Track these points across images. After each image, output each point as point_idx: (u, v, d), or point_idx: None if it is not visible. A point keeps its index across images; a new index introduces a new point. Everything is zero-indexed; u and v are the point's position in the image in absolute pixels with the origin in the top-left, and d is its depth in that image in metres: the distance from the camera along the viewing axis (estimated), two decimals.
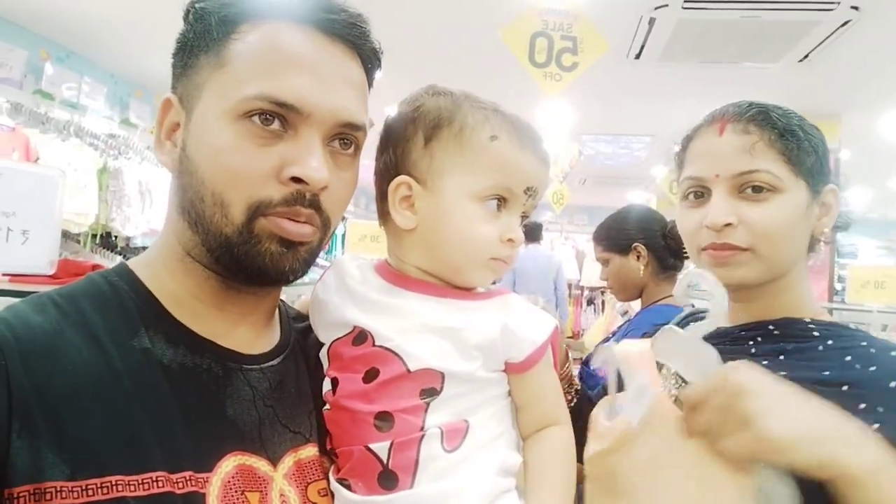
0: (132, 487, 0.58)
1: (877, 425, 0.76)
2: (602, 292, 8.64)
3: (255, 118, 0.66)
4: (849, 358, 0.88)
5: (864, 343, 0.90)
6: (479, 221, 0.78)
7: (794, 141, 0.93)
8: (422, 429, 0.72)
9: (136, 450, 0.60)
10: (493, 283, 0.86)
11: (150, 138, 4.96)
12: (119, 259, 4.31)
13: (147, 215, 4.43)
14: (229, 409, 0.69)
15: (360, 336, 0.77)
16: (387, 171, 0.82)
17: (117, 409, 0.61)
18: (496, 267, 0.80)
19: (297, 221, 0.69)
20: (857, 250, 10.27)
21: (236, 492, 0.66)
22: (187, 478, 0.62)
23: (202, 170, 0.68)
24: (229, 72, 0.68)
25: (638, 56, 4.17)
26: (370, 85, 0.79)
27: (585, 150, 7.34)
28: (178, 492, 0.61)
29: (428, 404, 0.73)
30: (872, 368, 0.85)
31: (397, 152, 0.81)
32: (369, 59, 0.76)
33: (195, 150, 0.69)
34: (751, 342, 0.96)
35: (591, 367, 1.92)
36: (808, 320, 0.95)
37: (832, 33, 3.64)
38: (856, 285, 5.01)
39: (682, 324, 1.12)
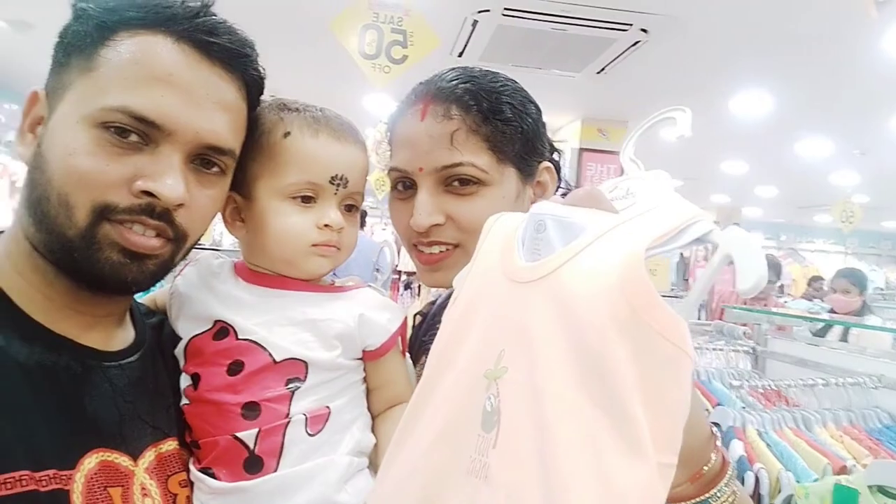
0: None
1: None
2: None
3: (113, 129, 0.66)
4: None
5: None
6: (290, 215, 0.82)
7: (500, 125, 0.87)
8: (287, 416, 0.76)
9: None
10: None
11: None
12: None
13: None
14: (89, 406, 0.69)
15: (222, 331, 0.79)
16: None
17: None
18: (323, 252, 0.83)
19: (144, 235, 0.69)
20: None
21: (99, 487, 0.66)
22: (51, 476, 0.62)
23: (51, 169, 0.67)
24: (95, 78, 0.67)
25: (461, 55, 4.39)
26: (252, 108, 0.80)
27: None
28: (43, 490, 0.61)
29: (293, 392, 0.77)
30: None
31: None
32: (250, 85, 0.77)
33: (48, 149, 0.68)
34: None
35: None
36: None
37: (625, 51, 4.13)
38: None
39: None
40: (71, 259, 0.68)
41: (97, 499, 0.65)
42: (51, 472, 0.62)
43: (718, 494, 0.60)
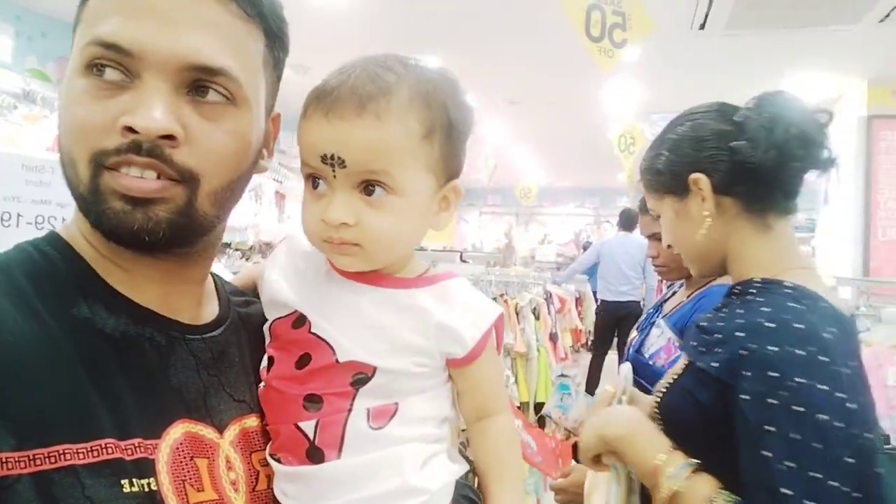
0: (81, 455, 0.58)
1: (716, 364, 0.98)
2: None
3: (94, 69, 0.63)
4: (741, 311, 1.02)
5: (762, 299, 1.02)
6: (306, 204, 0.74)
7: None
8: (348, 409, 0.72)
9: (84, 417, 0.59)
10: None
11: None
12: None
13: None
14: (174, 377, 0.69)
15: (300, 319, 0.76)
16: None
17: (61, 378, 0.60)
18: (338, 251, 0.73)
19: (142, 177, 0.63)
20: None
21: (185, 458, 0.66)
22: (136, 444, 0.62)
23: (60, 129, 0.66)
24: (82, 27, 0.65)
25: (702, 27, 4.00)
26: (267, 23, 0.72)
27: (655, 130, 7.11)
28: (128, 458, 0.60)
29: (357, 390, 0.72)
30: (758, 319, 0.98)
31: None
32: None
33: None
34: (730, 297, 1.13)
35: (647, 357, 1.88)
36: (757, 280, 1.08)
37: None
38: None
39: None
40: (90, 218, 0.66)
41: (183, 469, 0.65)
42: (136, 440, 0.62)
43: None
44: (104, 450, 0.59)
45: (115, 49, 0.62)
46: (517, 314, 4.33)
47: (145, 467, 0.62)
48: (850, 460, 0.90)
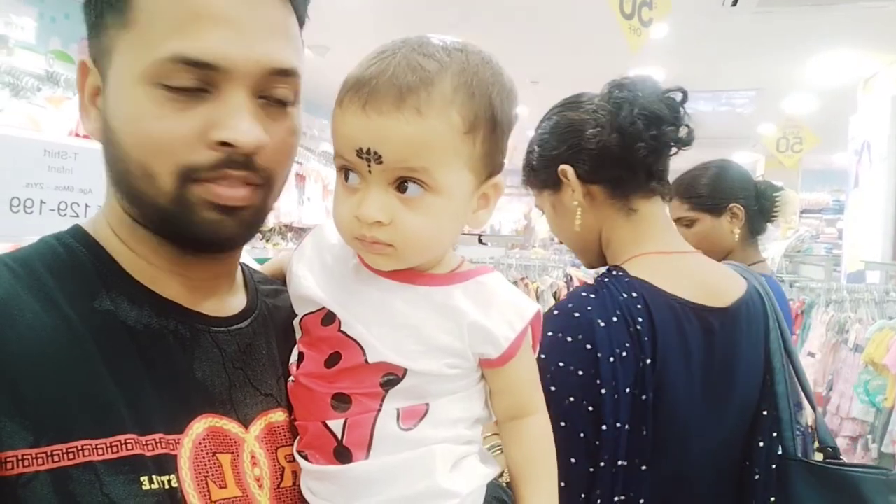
0: (100, 451, 0.57)
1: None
2: None
3: (172, 81, 0.61)
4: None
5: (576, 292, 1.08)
6: (338, 198, 0.71)
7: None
8: (377, 410, 0.70)
9: (103, 413, 0.58)
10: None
11: None
12: None
13: None
14: (198, 371, 0.68)
15: (329, 317, 0.74)
16: None
17: (81, 373, 0.59)
18: (371, 250, 0.70)
19: (231, 186, 0.64)
20: None
21: (208, 454, 0.64)
22: (157, 440, 0.61)
23: (123, 140, 0.64)
24: (137, 32, 0.62)
25: (735, 3, 3.88)
26: (301, 16, 0.71)
27: None
28: (149, 454, 0.59)
29: (387, 391, 0.70)
30: (553, 308, 1.06)
31: None
32: None
33: (115, 120, 0.64)
34: None
35: None
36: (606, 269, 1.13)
37: None
38: None
39: None
40: (170, 226, 0.66)
41: (205, 465, 0.64)
42: (157, 436, 0.61)
43: None
44: (124, 446, 0.58)
45: (202, 66, 0.61)
46: (538, 298, 4.29)
47: (166, 463, 0.60)
48: (597, 443, 0.96)
